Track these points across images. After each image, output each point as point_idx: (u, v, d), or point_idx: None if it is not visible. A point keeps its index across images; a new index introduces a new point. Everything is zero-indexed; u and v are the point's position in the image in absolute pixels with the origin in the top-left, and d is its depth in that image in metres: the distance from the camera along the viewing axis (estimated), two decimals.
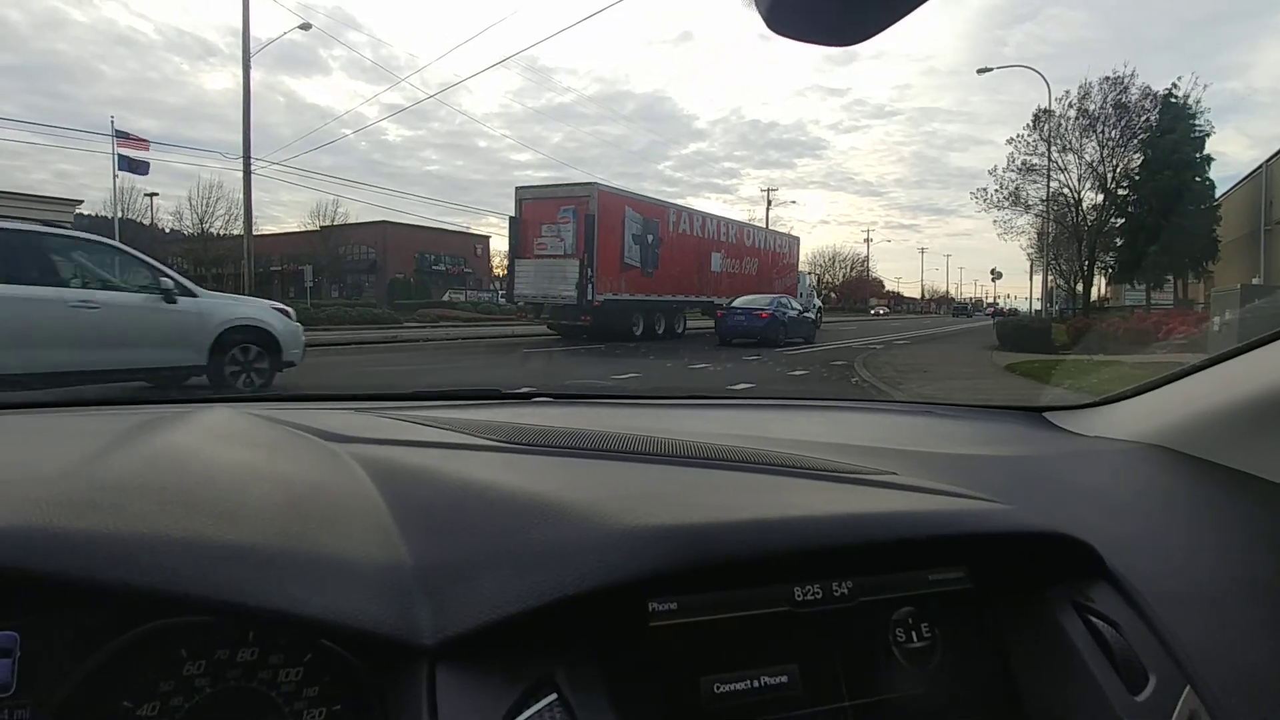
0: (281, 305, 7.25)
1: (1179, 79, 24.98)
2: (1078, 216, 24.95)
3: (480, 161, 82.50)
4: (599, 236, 15.71)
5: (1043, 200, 24.30)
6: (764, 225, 31.37)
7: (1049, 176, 23.43)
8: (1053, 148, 23.40)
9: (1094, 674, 0.63)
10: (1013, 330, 15.75)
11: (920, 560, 0.67)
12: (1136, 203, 23.69)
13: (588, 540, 0.58)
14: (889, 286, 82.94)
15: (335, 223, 40.12)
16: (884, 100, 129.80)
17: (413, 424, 0.95)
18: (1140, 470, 0.96)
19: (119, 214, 27.61)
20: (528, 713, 0.51)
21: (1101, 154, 23.83)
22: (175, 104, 60.33)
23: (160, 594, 0.49)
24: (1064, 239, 26.47)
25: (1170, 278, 25.38)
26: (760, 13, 0.40)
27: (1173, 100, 22.56)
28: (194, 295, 6.36)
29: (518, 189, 17.15)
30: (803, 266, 30.48)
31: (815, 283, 38.84)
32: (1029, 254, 31.26)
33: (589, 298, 15.53)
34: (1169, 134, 22.24)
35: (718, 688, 0.58)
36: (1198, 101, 22.42)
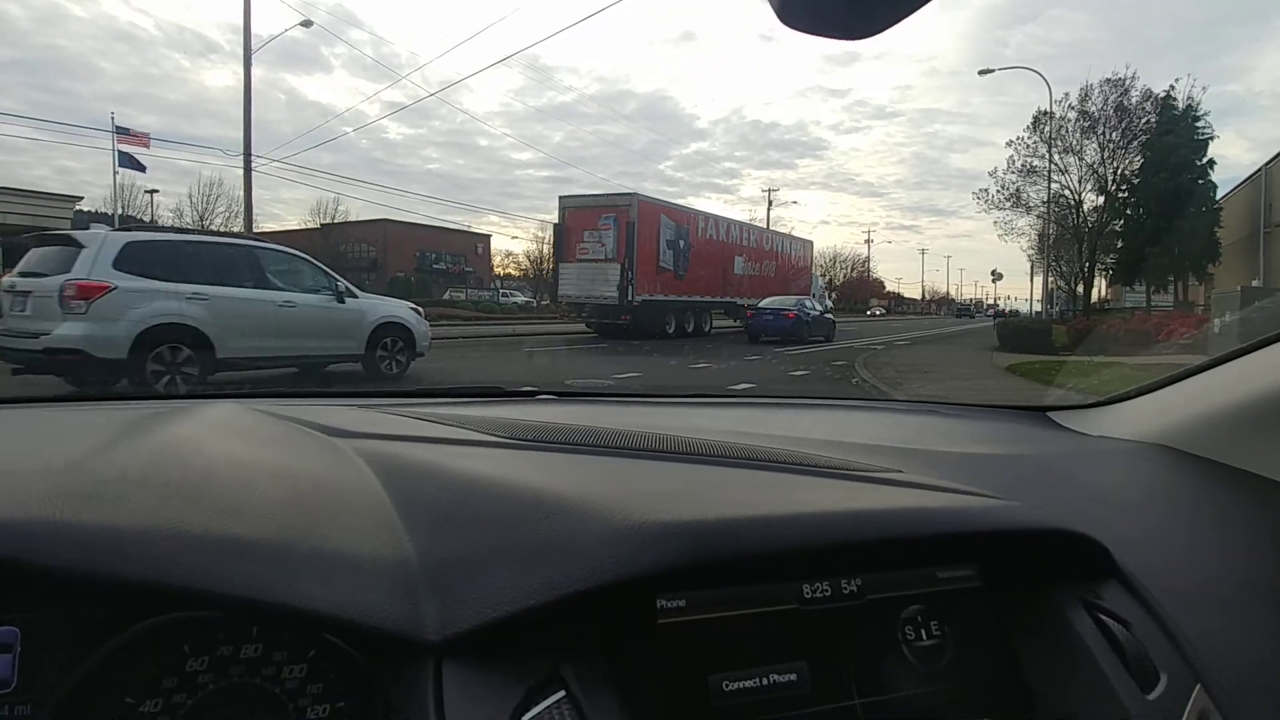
0: (415, 305, 8.57)
1: (1176, 81, 25.08)
2: (1078, 218, 24.99)
3: (481, 160, 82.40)
4: (638, 242, 17.06)
5: (1043, 202, 24.36)
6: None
7: (1049, 178, 23.50)
8: (1053, 149, 23.44)
9: (1104, 672, 0.63)
10: (1013, 331, 15.77)
11: (929, 558, 0.67)
12: (1136, 205, 23.72)
13: (596, 536, 0.58)
14: (889, 287, 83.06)
15: (336, 220, 40.13)
16: (885, 101, 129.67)
17: (416, 420, 0.95)
18: (1145, 469, 0.96)
19: (119, 210, 27.61)
20: (535, 710, 0.50)
21: (1102, 155, 23.92)
22: (176, 100, 60.14)
23: (163, 589, 0.49)
24: (1065, 240, 26.50)
25: (1171, 279, 25.40)
26: (772, 6, 0.40)
27: (1171, 102, 22.60)
28: (356, 296, 7.77)
29: (561, 197, 18.69)
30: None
31: (826, 284, 39.47)
32: (1029, 255, 31.28)
33: (629, 298, 16.86)
34: (1167, 136, 22.27)
35: (726, 685, 0.57)
36: (1198, 104, 22.50)
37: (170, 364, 6.22)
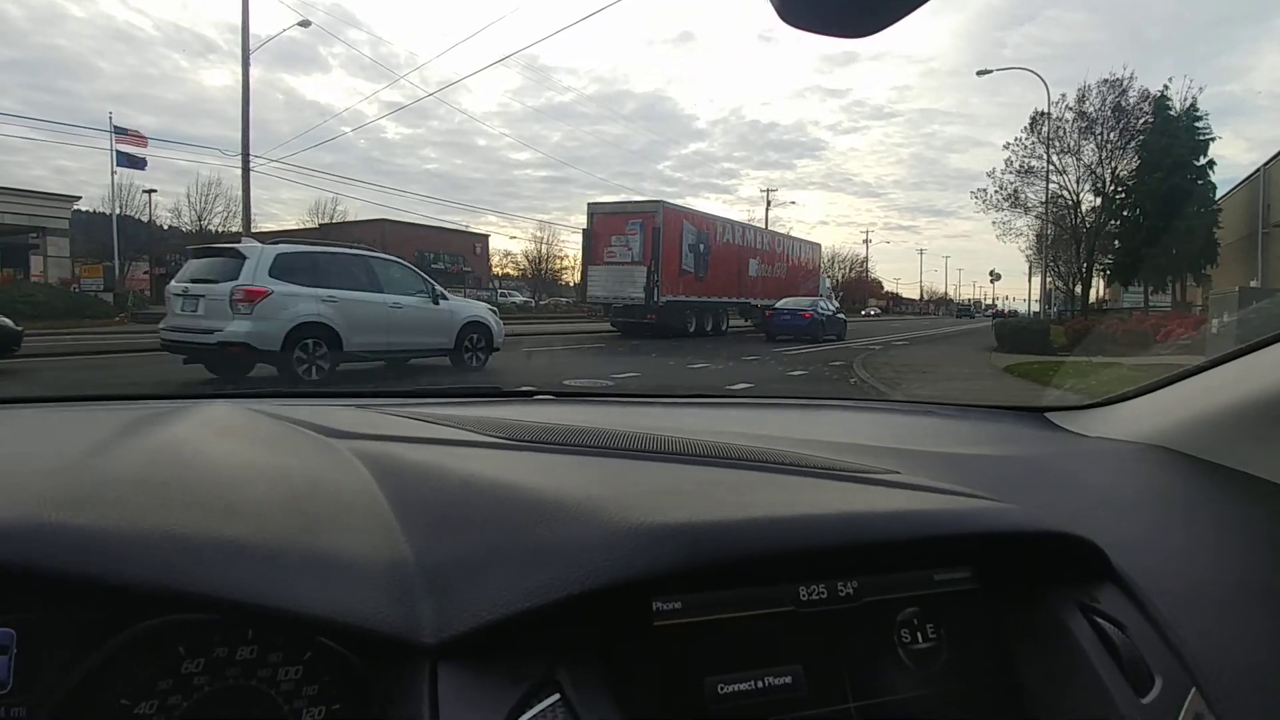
0: (493, 305, 9.89)
1: (1170, 80, 25.13)
2: (1076, 218, 24.97)
3: (479, 160, 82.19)
4: (663, 246, 18.28)
5: (1041, 202, 24.37)
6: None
7: (1047, 179, 23.51)
8: (1051, 150, 23.47)
9: (1100, 675, 0.63)
10: (1011, 331, 15.78)
11: (925, 560, 0.67)
12: (1134, 205, 23.73)
13: (593, 538, 0.58)
14: (888, 287, 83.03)
15: (334, 220, 40.11)
16: (883, 101, 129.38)
17: (414, 420, 0.94)
18: (1142, 470, 0.96)
19: (117, 210, 27.57)
20: (530, 713, 0.50)
21: (1099, 156, 23.89)
22: (174, 100, 60.09)
23: (159, 590, 0.49)
24: (1062, 241, 26.48)
25: (1169, 280, 25.42)
26: (772, 4, 0.40)
27: (1165, 103, 22.62)
28: (446, 299, 8.95)
29: (589, 204, 20.19)
30: None
31: (832, 285, 40.03)
32: (1028, 256, 31.30)
33: (655, 299, 18.08)
34: (1163, 136, 22.29)
35: (722, 688, 0.57)
36: (1195, 105, 22.50)
37: (310, 355, 7.40)
